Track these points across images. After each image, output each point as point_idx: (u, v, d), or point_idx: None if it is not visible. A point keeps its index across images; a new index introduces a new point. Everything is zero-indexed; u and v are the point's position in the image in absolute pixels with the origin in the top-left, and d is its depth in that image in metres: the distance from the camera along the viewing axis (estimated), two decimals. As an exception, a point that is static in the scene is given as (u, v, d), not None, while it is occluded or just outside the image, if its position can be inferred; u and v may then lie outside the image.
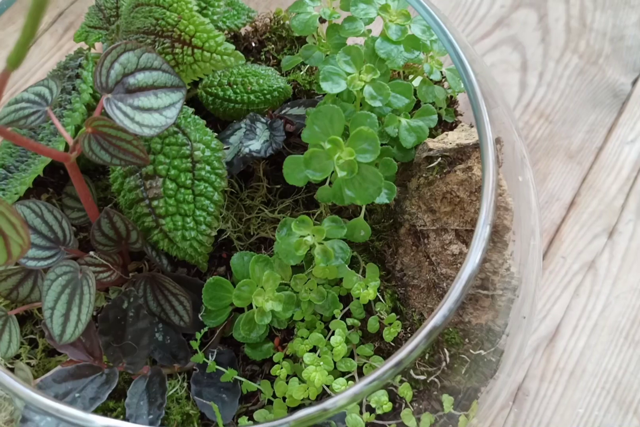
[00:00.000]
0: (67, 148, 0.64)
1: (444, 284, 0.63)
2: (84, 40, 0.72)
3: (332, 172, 0.58)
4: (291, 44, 0.83)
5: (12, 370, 0.67)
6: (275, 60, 0.83)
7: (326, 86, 0.60)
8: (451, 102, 0.77)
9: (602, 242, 0.95)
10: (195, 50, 0.61)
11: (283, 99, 0.76)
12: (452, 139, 0.65)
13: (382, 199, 0.60)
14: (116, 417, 0.63)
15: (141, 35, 0.63)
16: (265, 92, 0.74)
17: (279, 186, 0.74)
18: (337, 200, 0.60)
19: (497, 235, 0.62)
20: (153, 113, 0.58)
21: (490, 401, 0.57)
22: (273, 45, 0.82)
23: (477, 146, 0.61)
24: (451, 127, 0.76)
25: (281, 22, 0.84)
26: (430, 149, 0.63)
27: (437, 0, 1.13)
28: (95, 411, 0.62)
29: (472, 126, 0.75)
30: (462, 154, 0.61)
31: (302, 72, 0.81)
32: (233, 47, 0.61)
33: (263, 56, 0.82)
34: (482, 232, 0.48)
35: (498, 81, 1.07)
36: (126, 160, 0.56)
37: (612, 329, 0.90)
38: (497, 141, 0.63)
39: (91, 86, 0.67)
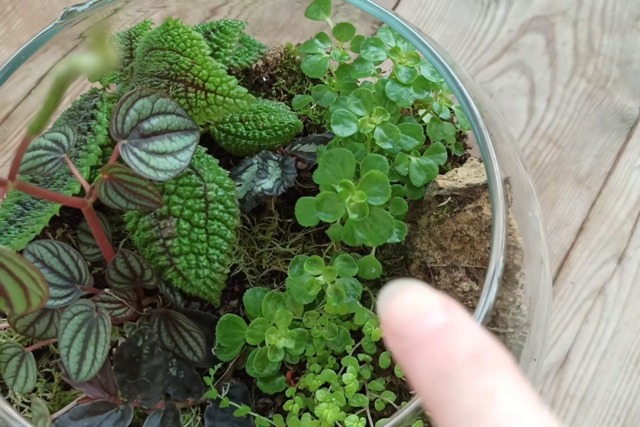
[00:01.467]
0: (82, 188, 0.65)
1: (454, 322, 0.64)
2: (98, 80, 0.74)
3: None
4: (302, 78, 0.84)
5: (28, 404, 0.69)
6: (286, 95, 0.84)
7: (337, 129, 0.61)
8: (460, 136, 0.78)
9: (612, 268, 0.96)
10: (209, 94, 0.62)
11: (294, 134, 0.77)
12: (461, 175, 0.66)
13: (394, 238, 0.61)
14: (131, 453, 0.64)
15: (155, 78, 0.64)
16: (276, 128, 0.75)
17: (290, 220, 0.75)
18: (348, 240, 0.61)
19: (507, 273, 0.63)
20: (167, 157, 0.59)
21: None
22: (284, 80, 0.84)
23: (486, 186, 0.62)
24: (460, 160, 0.77)
25: (291, 56, 0.85)
26: (440, 188, 0.64)
27: (444, 26, 1.14)
28: (111, 447, 0.63)
29: (481, 161, 0.76)
30: (471, 193, 0.62)
31: (312, 107, 0.82)
32: (245, 90, 0.62)
33: (274, 90, 0.84)
34: (494, 272, 0.49)
35: (506, 106, 1.08)
36: (141, 204, 0.58)
37: (622, 355, 0.91)
38: (506, 181, 0.64)
39: (106, 127, 0.68)
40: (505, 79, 1.10)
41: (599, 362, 0.90)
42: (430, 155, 0.67)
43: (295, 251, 0.74)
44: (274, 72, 0.85)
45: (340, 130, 0.61)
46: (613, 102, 1.08)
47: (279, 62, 0.85)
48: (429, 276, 0.66)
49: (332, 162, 0.59)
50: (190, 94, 0.62)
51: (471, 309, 0.64)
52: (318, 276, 0.61)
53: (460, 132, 0.78)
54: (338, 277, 0.63)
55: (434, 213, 0.65)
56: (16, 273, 0.44)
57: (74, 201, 0.56)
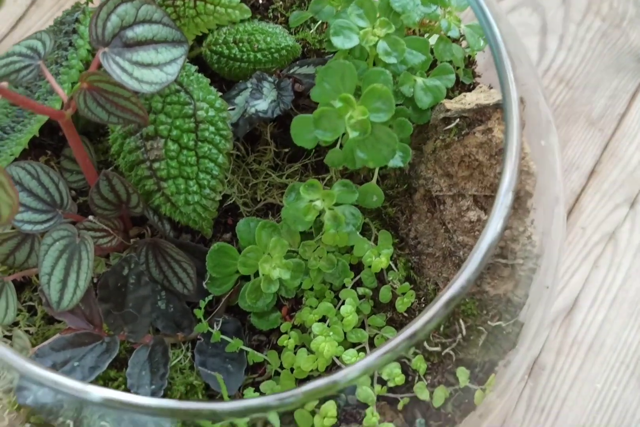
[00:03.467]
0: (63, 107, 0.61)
1: (461, 253, 0.60)
2: (81, -6, 0.69)
3: (343, 133, 0.55)
4: (300, 1, 0.79)
5: (9, 338, 0.65)
6: (283, 18, 0.79)
7: (337, 41, 0.56)
8: (469, 62, 0.73)
9: (624, 213, 0.92)
10: (198, 2, 0.57)
11: (291, 58, 0.72)
12: (470, 100, 0.62)
13: (396, 162, 0.57)
14: (117, 387, 0.61)
15: (141, -14, 0.59)
16: (272, 50, 0.70)
17: (287, 150, 0.71)
18: (348, 163, 0.56)
19: (519, 201, 0.59)
20: (153, 69, 0.54)
21: (509, 375, 0.55)
22: (281, 2, 0.78)
23: (497, 107, 0.57)
24: (469, 88, 0.72)
25: (290, -24, 0.80)
26: (448, 110, 0.59)
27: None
28: (96, 381, 0.60)
29: (491, 87, 0.71)
30: (481, 115, 0.58)
31: (311, 31, 0.77)
32: (238, 0, 0.57)
33: (270, 14, 0.78)
34: (504, 199, 0.45)
35: (517, 44, 1.03)
36: (124, 118, 0.53)
37: (633, 302, 0.87)
38: (520, 101, 0.59)
39: (89, 42, 0.63)
40: (516, 16, 1.05)
41: (608, 308, 0.87)
42: (437, 76, 0.62)
43: (291, 182, 0.70)
44: (271, -6, 0.80)
45: (341, 42, 0.56)
46: (628, 42, 1.03)
47: (277, -18, 0.80)
48: (433, 205, 0.62)
49: (331, 75, 0.54)
50: (178, 2, 0.58)
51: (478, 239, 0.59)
52: (315, 200, 0.57)
53: (469, 57, 0.73)
54: (337, 204, 0.59)
55: (441, 137, 0.60)
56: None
57: (51, 112, 0.52)
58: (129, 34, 0.54)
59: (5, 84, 0.50)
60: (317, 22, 0.78)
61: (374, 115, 0.53)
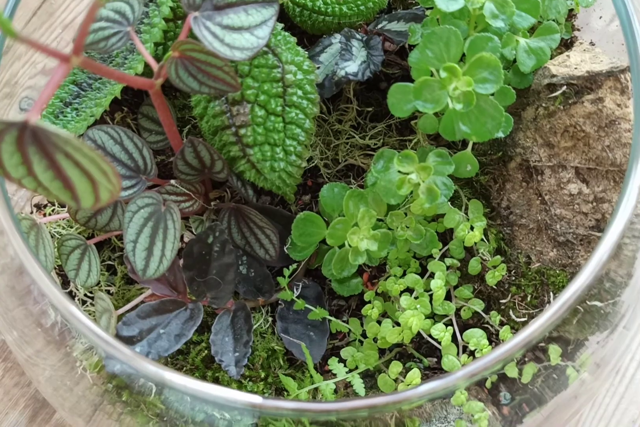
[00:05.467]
0: (145, 67, 0.58)
1: (557, 226, 0.57)
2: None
3: (443, 102, 0.52)
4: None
5: (91, 298, 0.66)
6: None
7: (441, 3, 0.52)
8: (569, 15, 0.68)
9: None
10: (291, -44, 0.53)
11: (378, 10, 0.67)
12: (575, 61, 0.58)
13: (498, 133, 0.54)
14: (200, 351, 0.61)
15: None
16: (359, 2, 0.66)
17: (370, 109, 0.68)
18: (446, 134, 0.53)
19: (621, 174, 0.56)
20: (244, 33, 0.51)
21: (605, 355, 0.53)
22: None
23: (610, 74, 0.53)
24: (566, 44, 0.67)
25: None
26: (554, 75, 0.55)
27: None
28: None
29: (592, 44, 0.67)
30: (592, 82, 0.54)
31: (398, -23, 0.72)
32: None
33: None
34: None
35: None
36: (216, 87, 0.51)
37: None
38: (629, 69, 0.55)
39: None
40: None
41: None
42: (541, 37, 0.58)
43: (375, 144, 0.67)
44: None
45: (445, 4, 0.52)
46: None
47: None
48: (530, 175, 0.59)
49: (435, 42, 0.51)
50: (270, -44, 0.53)
51: (578, 213, 0.57)
52: (410, 173, 0.54)
53: (571, 11, 0.67)
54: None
55: (543, 104, 0.56)
56: (84, 165, 0.38)
57: (141, 82, 0.50)
58: (219, -6, 0.51)
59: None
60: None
61: (480, 87, 0.50)
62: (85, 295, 0.66)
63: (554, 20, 0.60)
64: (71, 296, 0.66)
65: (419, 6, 0.68)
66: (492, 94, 0.54)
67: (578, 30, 0.68)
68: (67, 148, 0.37)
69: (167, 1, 0.57)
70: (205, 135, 0.60)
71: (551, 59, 0.59)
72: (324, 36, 0.65)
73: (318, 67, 0.62)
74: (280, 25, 0.59)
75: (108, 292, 0.66)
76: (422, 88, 0.51)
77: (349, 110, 0.68)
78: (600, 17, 0.66)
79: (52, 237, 0.64)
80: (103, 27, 0.49)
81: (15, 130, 0.36)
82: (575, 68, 0.56)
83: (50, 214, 0.68)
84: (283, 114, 0.57)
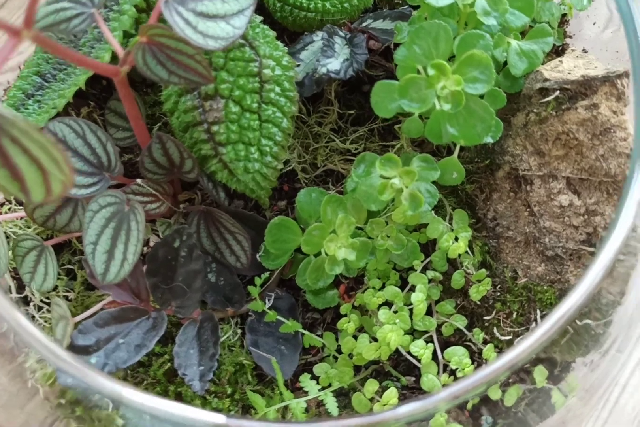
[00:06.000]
0: (113, 57, 0.54)
1: (546, 240, 0.54)
2: None
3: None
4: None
5: (47, 304, 0.61)
6: (352, -39, 0.71)
7: (431, -3, 0.49)
8: (561, 21, 0.65)
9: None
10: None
11: (362, 8, 0.64)
12: (568, 67, 0.55)
13: (487, 137, 0.51)
14: (163, 363, 0.57)
15: None
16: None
17: (351, 112, 0.65)
18: (432, 137, 0.50)
19: (615, 186, 0.53)
20: (219, 21, 0.48)
21: (596, 380, 0.50)
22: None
23: (606, 79, 0.51)
24: (557, 51, 0.65)
25: None
26: (546, 80, 0.53)
27: None
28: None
29: (585, 51, 0.64)
30: (586, 88, 0.51)
31: (384, -23, 0.69)
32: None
33: (339, -45, 0.70)
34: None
35: None
36: (186, 78, 0.47)
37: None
38: (626, 75, 0.52)
39: (143, -17, 0.56)
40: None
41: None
42: (533, 40, 0.55)
43: (356, 149, 0.64)
44: None
45: (435, -1, 0.49)
46: None
47: None
48: (518, 185, 0.55)
49: (423, 37, 0.48)
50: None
51: (568, 226, 0.54)
52: (393, 178, 0.51)
53: (564, 15, 0.65)
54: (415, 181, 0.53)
55: (535, 110, 0.53)
56: (33, 151, 0.34)
57: (104, 68, 0.46)
58: (193, -22, 0.47)
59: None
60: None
61: (470, 86, 0.47)
62: (41, 300, 0.61)
63: (547, 24, 0.57)
64: (26, 301, 0.62)
65: (405, 6, 0.65)
66: (482, 96, 0.51)
67: (570, 37, 0.66)
68: (13, 131, 0.33)
69: (140, -13, 0.53)
70: (176, 133, 0.56)
71: (543, 64, 0.56)
72: (305, 33, 0.62)
73: (298, 65, 0.59)
74: (259, 18, 0.55)
75: (66, 298, 0.61)
76: (408, 86, 0.47)
77: (329, 113, 0.64)
78: (594, 23, 0.63)
79: (7, 237, 0.60)
80: (65, 7, 0.45)
81: (-46, 109, 0.32)
82: (569, 73, 0.53)
83: (6, 213, 0.63)
84: (259, 111, 0.54)
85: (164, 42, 0.45)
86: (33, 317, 0.61)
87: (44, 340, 0.41)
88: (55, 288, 0.61)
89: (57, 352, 0.41)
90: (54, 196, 0.38)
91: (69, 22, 0.45)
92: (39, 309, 0.61)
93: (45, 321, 0.61)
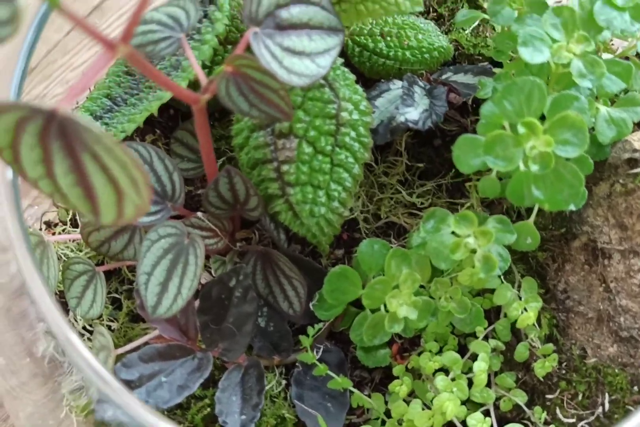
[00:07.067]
0: (189, 86, 0.54)
1: (621, 319, 0.51)
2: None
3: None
4: (456, -5, 0.70)
5: (89, 331, 0.59)
6: (435, 14, 0.70)
7: (525, 53, 0.48)
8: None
9: None
10: (366, -13, 0.49)
11: (442, 61, 0.64)
12: (658, 139, 0.52)
13: (571, 205, 0.48)
14: (202, 407, 0.54)
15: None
16: (423, 50, 0.62)
17: (420, 165, 0.63)
18: (514, 198, 0.48)
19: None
20: (303, 59, 0.47)
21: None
22: (434, -5, 0.70)
23: (702, 154, 0.48)
24: (640, 123, 0.62)
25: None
26: (636, 150, 0.50)
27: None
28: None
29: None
30: (679, 161, 0.48)
31: (466, 32, 0.68)
32: (412, -11, 0.49)
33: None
34: None
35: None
36: (267, 112, 0.46)
37: None
38: None
39: (227, 15, 0.56)
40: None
41: None
42: (623, 108, 0.53)
43: (421, 203, 0.62)
44: (423, -15, 0.71)
45: (530, 55, 0.48)
46: None
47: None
48: (595, 258, 0.53)
49: (515, 93, 0.46)
50: (344, -16, 0.50)
51: (646, 306, 0.50)
52: (466, 237, 0.48)
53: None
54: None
55: (621, 181, 0.51)
56: (114, 171, 0.32)
57: (186, 94, 0.45)
58: (284, 14, 0.47)
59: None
60: (474, 22, 0.69)
61: (561, 149, 0.45)
62: (83, 328, 0.59)
63: (637, 93, 0.55)
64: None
65: (485, 62, 0.64)
66: (569, 160, 0.49)
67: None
68: (96, 147, 0.31)
69: (223, 18, 0.53)
70: (243, 169, 0.55)
71: (632, 133, 0.54)
72: (382, 80, 0.61)
73: (373, 112, 0.58)
74: (341, 60, 0.54)
75: (109, 328, 0.59)
76: (495, 143, 0.45)
77: (397, 164, 0.63)
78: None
79: (58, 259, 0.58)
80: (154, 30, 0.45)
81: (41, 119, 0.30)
82: (661, 145, 0.51)
83: (60, 234, 0.62)
84: (332, 154, 0.52)
85: (249, 74, 0.44)
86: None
87: (94, 362, 0.39)
88: (100, 316, 0.59)
89: (105, 377, 0.39)
90: (125, 220, 0.36)
91: (156, 45, 0.45)
92: (81, 336, 0.58)
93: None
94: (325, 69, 0.47)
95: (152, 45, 0.45)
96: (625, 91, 0.56)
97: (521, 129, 0.45)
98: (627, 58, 0.57)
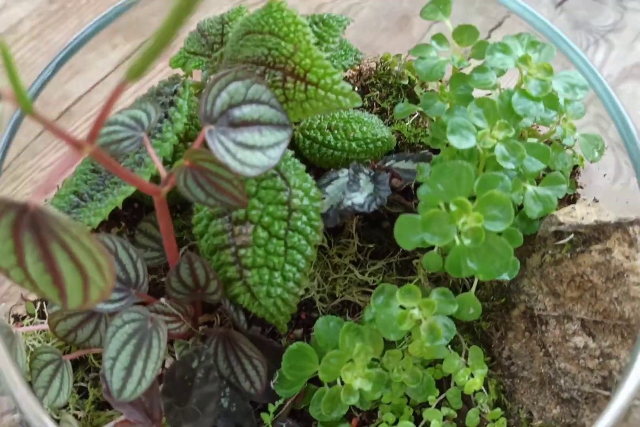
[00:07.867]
0: (152, 181, 0.58)
1: (562, 381, 0.54)
2: (181, 66, 0.67)
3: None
4: (397, 91, 0.77)
5: (57, 421, 0.60)
6: (378, 108, 0.77)
7: (454, 140, 0.53)
8: (573, 171, 0.69)
9: None
10: (309, 86, 0.55)
11: (386, 150, 0.69)
12: (581, 213, 0.58)
13: (505, 273, 0.52)
14: None
15: (250, 65, 0.57)
16: (368, 140, 0.68)
17: (371, 246, 0.67)
18: (452, 270, 0.52)
19: (629, 329, 0.54)
20: (256, 152, 0.51)
21: None
22: (378, 92, 0.77)
23: (619, 226, 0.53)
24: (569, 199, 0.68)
25: (388, 67, 0.78)
26: (561, 223, 0.55)
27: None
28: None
29: (596, 201, 0.67)
30: (599, 232, 0.53)
31: (407, 124, 0.75)
32: (350, 87, 0.55)
33: (366, 102, 0.76)
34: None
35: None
36: (222, 201, 0.50)
37: None
38: (638, 222, 0.55)
39: (186, 115, 0.61)
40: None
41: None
42: (548, 186, 0.58)
43: (374, 281, 0.65)
44: (367, 82, 0.78)
45: (457, 141, 0.53)
46: None
47: (374, 72, 0.78)
48: (533, 325, 0.56)
49: (446, 175, 0.51)
50: (289, 85, 0.55)
51: (583, 368, 0.54)
52: (412, 309, 0.52)
53: (575, 167, 0.69)
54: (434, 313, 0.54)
55: (550, 251, 0.56)
56: (80, 258, 0.36)
57: (148, 187, 0.49)
58: (236, 113, 0.52)
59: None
60: (414, 115, 0.75)
61: (490, 224, 0.49)
62: (51, 417, 0.60)
63: (560, 172, 0.61)
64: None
65: (425, 150, 0.70)
66: (500, 234, 0.54)
67: (581, 187, 0.69)
68: (64, 236, 0.35)
69: (182, 118, 0.58)
70: (203, 255, 0.58)
71: (557, 210, 0.59)
72: (332, 169, 0.66)
73: (323, 198, 0.62)
74: (291, 152, 0.59)
75: (75, 416, 0.60)
76: (431, 220, 0.50)
77: (349, 245, 0.67)
78: (605, 175, 0.67)
79: (26, 350, 0.60)
80: (117, 130, 0.49)
81: (14, 213, 0.34)
82: (582, 218, 0.56)
83: (28, 325, 0.64)
84: (285, 237, 0.56)
85: (206, 166, 0.48)
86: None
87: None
88: (66, 405, 0.60)
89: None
90: (90, 304, 0.39)
91: (120, 144, 0.49)
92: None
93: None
94: (276, 161, 0.52)
95: (116, 144, 0.50)
96: (549, 171, 0.62)
97: (453, 207, 0.50)
98: (548, 141, 0.64)
